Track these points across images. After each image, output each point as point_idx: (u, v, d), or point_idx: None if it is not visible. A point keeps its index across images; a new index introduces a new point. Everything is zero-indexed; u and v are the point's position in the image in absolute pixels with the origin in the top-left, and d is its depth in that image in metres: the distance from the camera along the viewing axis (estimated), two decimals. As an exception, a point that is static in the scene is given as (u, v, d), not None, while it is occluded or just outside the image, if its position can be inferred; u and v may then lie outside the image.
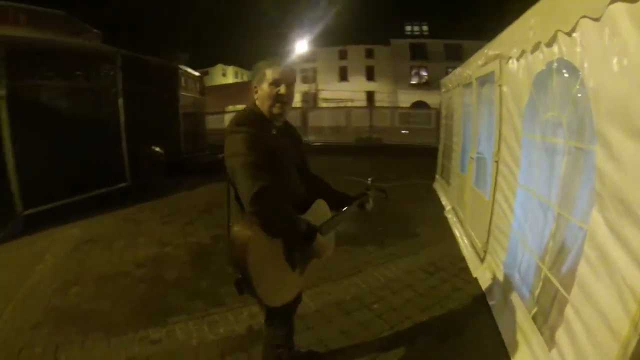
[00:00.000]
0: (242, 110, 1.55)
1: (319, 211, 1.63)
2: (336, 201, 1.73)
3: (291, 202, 1.47)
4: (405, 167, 8.83)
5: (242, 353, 2.29)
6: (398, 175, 7.41)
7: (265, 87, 1.49)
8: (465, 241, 3.79)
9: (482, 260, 3.12)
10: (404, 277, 3.30)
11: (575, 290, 1.52)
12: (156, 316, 2.74)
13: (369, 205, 1.78)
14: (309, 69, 28.74)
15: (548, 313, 1.85)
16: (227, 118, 12.45)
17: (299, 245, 1.42)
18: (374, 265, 3.57)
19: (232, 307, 2.85)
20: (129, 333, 2.55)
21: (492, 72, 3.00)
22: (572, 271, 1.58)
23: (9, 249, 4.33)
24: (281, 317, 1.68)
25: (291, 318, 1.80)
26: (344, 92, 30.01)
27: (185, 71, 10.65)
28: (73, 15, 8.73)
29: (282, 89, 1.47)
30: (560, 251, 1.83)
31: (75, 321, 2.76)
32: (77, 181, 5.73)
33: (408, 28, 32.26)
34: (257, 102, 1.53)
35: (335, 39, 29.59)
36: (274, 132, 1.52)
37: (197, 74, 12.00)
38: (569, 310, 1.55)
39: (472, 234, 3.58)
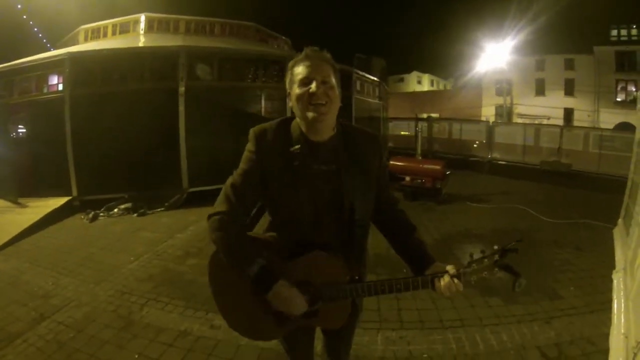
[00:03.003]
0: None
1: (322, 266, 1.22)
2: (410, 261, 1.31)
3: (294, 237, 1.24)
4: (590, 203, 6.92)
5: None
6: (574, 211, 5.82)
7: (295, 89, 1.19)
8: (621, 325, 2.57)
9: (632, 364, 2.02)
10: (510, 354, 2.44)
11: None
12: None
13: (450, 289, 1.13)
14: (503, 81, 26.27)
15: None
16: (413, 125, 12.72)
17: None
18: (483, 323, 2.80)
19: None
20: (201, 311, 2.85)
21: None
22: None
23: (169, 215, 5.60)
24: (285, 345, 1.48)
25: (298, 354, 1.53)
26: (539, 107, 26.75)
27: (362, 76, 10.77)
28: (266, 25, 10.87)
29: (314, 87, 1.15)
30: None
31: (174, 286, 3.29)
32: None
33: (614, 32, 25.31)
34: (294, 111, 1.26)
35: (531, 48, 26.17)
36: (295, 149, 1.21)
37: (375, 79, 12.10)
38: None
39: (632, 319, 2.38)
